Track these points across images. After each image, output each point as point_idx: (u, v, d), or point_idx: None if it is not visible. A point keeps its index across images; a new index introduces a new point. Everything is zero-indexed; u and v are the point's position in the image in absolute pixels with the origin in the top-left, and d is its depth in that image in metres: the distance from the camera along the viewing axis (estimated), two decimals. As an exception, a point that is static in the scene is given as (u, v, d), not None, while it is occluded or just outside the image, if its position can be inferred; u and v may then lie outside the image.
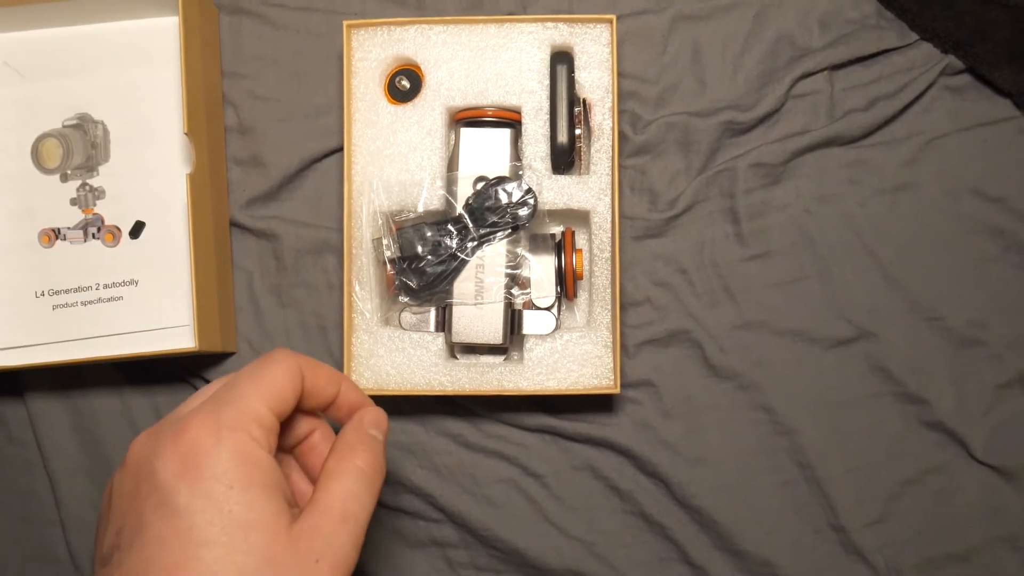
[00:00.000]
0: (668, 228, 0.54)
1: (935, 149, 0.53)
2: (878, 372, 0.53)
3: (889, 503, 0.52)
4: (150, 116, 0.53)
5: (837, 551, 0.53)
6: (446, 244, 0.47)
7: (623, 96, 0.54)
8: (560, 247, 0.49)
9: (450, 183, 0.49)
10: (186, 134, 0.48)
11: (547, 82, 0.49)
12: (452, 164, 0.49)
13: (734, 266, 0.53)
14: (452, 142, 0.50)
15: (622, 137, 0.53)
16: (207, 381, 0.54)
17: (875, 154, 0.54)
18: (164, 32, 0.53)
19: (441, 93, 0.50)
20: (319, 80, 0.55)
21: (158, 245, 0.52)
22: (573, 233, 0.48)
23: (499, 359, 0.50)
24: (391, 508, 0.54)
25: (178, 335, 0.51)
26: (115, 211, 0.53)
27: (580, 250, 0.48)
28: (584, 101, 0.49)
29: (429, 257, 0.47)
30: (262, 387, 0.32)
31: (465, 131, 0.49)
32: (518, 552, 0.52)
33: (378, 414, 0.37)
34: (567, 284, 0.48)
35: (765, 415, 0.53)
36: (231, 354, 0.54)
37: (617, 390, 0.47)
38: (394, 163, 0.50)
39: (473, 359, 0.50)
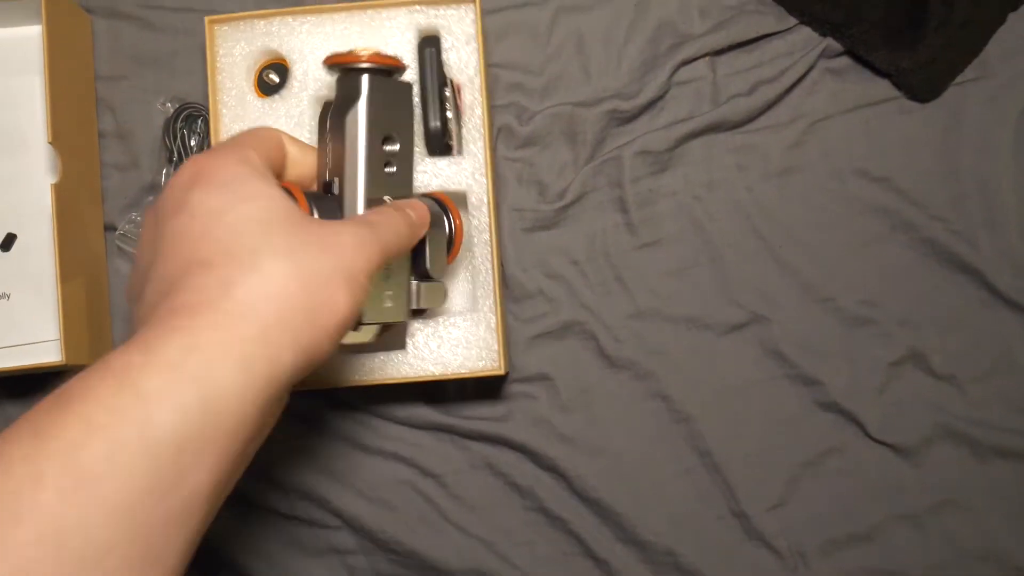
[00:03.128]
0: (558, 219, 0.53)
1: (819, 131, 0.54)
2: (772, 355, 0.53)
3: (789, 486, 0.52)
4: (19, 126, 0.52)
5: (740, 537, 0.52)
6: None
7: (508, 88, 0.53)
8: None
9: None
10: (51, 143, 0.47)
11: (416, 65, 0.48)
12: None
13: (626, 255, 0.53)
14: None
15: (508, 130, 0.53)
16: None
17: (760, 139, 0.54)
18: (30, 41, 0.52)
19: (308, 84, 0.49)
20: (198, 79, 0.54)
21: (30, 257, 0.50)
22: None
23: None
24: (286, 516, 0.52)
25: (49, 349, 0.49)
26: (-15, 223, 0.51)
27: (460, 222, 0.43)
28: (452, 82, 0.48)
29: None
30: (250, 137, 0.33)
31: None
32: (417, 555, 0.51)
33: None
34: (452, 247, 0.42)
35: (662, 403, 0.53)
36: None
37: (503, 371, 0.47)
38: None
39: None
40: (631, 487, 0.52)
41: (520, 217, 0.53)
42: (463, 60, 0.49)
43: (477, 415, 0.52)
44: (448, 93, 0.47)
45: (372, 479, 0.52)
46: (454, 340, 0.48)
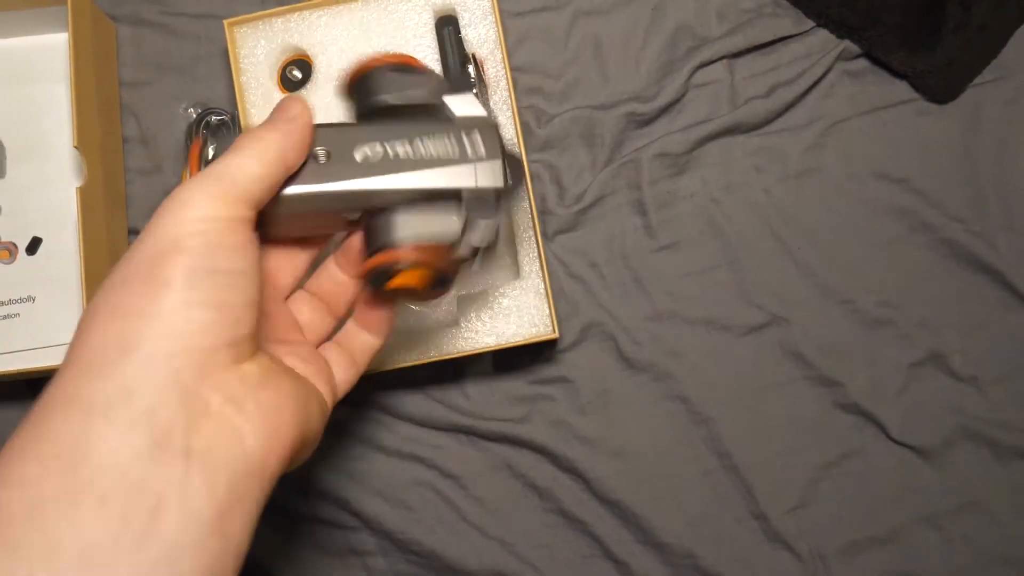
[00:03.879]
0: (577, 222, 0.53)
1: (837, 133, 0.54)
2: (791, 357, 0.53)
3: (809, 488, 0.52)
4: (46, 132, 0.52)
5: (760, 539, 0.52)
6: None
7: (526, 92, 0.54)
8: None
9: None
10: (76, 147, 0.48)
11: (436, 45, 0.49)
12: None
13: (644, 257, 0.53)
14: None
15: (527, 132, 0.53)
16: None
17: (778, 141, 0.54)
18: (57, 48, 0.53)
19: (332, 75, 0.50)
20: (220, 84, 0.54)
21: (55, 261, 0.51)
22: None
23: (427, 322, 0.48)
24: (306, 518, 0.53)
25: (75, 350, 0.49)
26: (12, 227, 0.52)
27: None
28: (475, 57, 0.49)
29: None
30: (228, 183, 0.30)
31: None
32: (436, 555, 0.51)
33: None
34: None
35: (681, 405, 0.53)
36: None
37: (556, 335, 0.47)
38: None
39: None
40: (650, 489, 0.52)
41: (539, 220, 0.53)
42: (482, 36, 0.50)
43: (496, 416, 0.52)
44: (471, 69, 0.48)
45: (391, 480, 0.52)
46: (505, 310, 0.49)
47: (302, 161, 0.32)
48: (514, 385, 0.53)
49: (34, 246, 0.51)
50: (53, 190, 0.52)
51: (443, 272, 0.34)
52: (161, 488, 0.25)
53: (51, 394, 0.26)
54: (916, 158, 0.54)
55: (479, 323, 0.48)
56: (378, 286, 0.34)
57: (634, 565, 0.51)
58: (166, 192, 0.53)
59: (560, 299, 0.53)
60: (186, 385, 0.26)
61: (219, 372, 0.27)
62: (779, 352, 0.53)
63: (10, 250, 0.51)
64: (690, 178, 0.54)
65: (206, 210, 0.28)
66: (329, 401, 0.34)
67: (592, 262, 0.53)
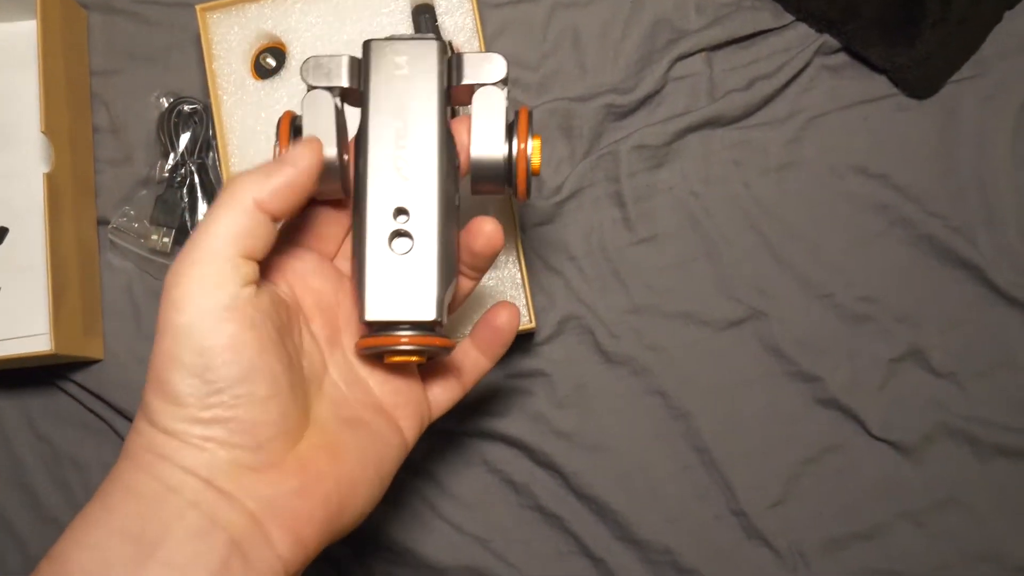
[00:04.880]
0: (555, 214, 0.53)
1: (817, 127, 0.54)
2: (771, 351, 0.52)
3: (789, 484, 0.52)
4: (13, 120, 0.52)
5: (739, 536, 0.51)
6: None
7: (504, 84, 0.53)
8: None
9: None
10: (43, 133, 0.47)
11: (412, 33, 0.48)
12: None
13: (623, 250, 0.53)
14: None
15: (504, 124, 0.53)
16: (77, 385, 0.52)
17: (758, 134, 0.54)
18: (25, 35, 0.52)
19: None
20: (193, 73, 0.53)
21: (22, 252, 0.50)
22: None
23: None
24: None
25: (40, 342, 0.48)
26: (-23, 216, 0.50)
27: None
28: (450, 44, 0.48)
29: None
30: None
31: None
32: (411, 552, 0.51)
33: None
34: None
35: (660, 400, 0.52)
36: (98, 360, 0.52)
37: (533, 325, 0.46)
38: (269, 139, 0.48)
39: None
40: (628, 484, 0.51)
41: (516, 212, 0.52)
42: (459, 24, 0.49)
43: (472, 411, 0.51)
44: (448, 56, 0.47)
45: (366, 476, 0.51)
46: (479, 301, 0.47)
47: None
48: (490, 378, 0.52)
49: (0, 235, 0.50)
50: (20, 180, 0.51)
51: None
52: None
53: (131, 454, 0.29)
54: (895, 153, 0.54)
55: (453, 316, 0.48)
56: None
57: (611, 562, 0.51)
58: (137, 181, 0.53)
59: (538, 292, 0.52)
60: (219, 489, 0.28)
61: (245, 478, 0.28)
62: (758, 347, 0.52)
63: (-25, 240, 0.50)
64: (669, 171, 0.53)
65: (194, 305, 0.28)
66: (413, 433, 0.35)
67: (570, 255, 0.53)
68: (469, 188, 0.35)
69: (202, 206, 0.51)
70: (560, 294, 0.52)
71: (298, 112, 0.34)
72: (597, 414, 0.52)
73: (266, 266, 0.32)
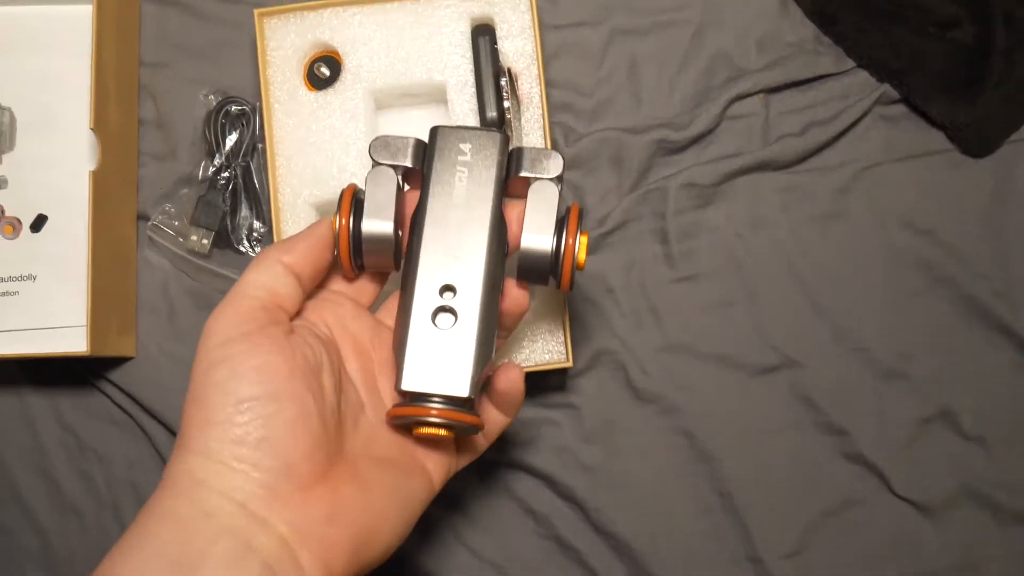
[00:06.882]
0: (598, 246, 0.52)
1: (868, 178, 0.53)
2: (801, 401, 0.52)
3: (807, 534, 0.52)
4: (60, 106, 0.51)
5: (753, 582, 0.52)
6: None
7: (556, 108, 0.53)
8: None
9: None
10: (92, 130, 0.46)
11: (470, 55, 0.48)
12: None
13: (662, 287, 0.52)
14: None
15: (554, 148, 0.52)
16: (107, 380, 0.52)
17: (808, 180, 0.53)
18: (78, 19, 0.51)
19: (361, 76, 0.48)
20: (243, 72, 0.53)
21: (59, 241, 0.50)
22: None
23: None
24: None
25: (73, 336, 0.48)
26: (16, 202, 0.50)
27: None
28: (509, 71, 0.47)
29: None
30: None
31: None
32: (426, 574, 0.51)
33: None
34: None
35: (686, 441, 0.52)
36: (130, 358, 0.52)
37: (570, 363, 0.46)
38: (319, 151, 0.48)
39: None
40: (648, 523, 0.51)
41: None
42: (518, 49, 0.48)
43: (499, 439, 0.51)
44: (504, 83, 0.46)
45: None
46: (517, 335, 0.47)
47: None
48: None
49: (39, 224, 0.50)
50: (62, 168, 0.50)
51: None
52: None
53: (169, 480, 0.30)
54: (945, 210, 0.53)
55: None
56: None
57: (625, 598, 0.51)
58: (179, 178, 0.52)
59: (573, 321, 0.52)
60: (253, 513, 0.29)
61: (277, 502, 0.29)
62: (789, 395, 0.52)
63: (14, 225, 0.50)
64: (715, 211, 0.53)
65: (226, 333, 0.31)
66: (440, 478, 0.36)
67: (608, 287, 0.52)
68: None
69: (244, 210, 0.50)
70: (596, 326, 0.52)
71: (360, 185, 0.36)
72: (622, 450, 0.52)
73: (307, 309, 0.34)
